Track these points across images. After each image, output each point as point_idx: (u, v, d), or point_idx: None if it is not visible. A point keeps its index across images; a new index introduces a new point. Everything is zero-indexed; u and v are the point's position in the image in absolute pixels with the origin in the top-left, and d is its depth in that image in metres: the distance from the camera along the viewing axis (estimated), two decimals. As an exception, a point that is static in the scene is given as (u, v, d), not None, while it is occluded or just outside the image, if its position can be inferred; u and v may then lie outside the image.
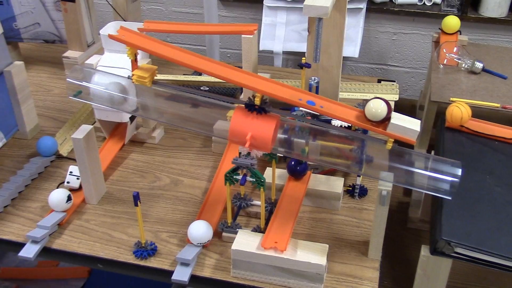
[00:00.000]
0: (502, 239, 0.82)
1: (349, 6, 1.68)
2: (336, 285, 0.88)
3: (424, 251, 0.84)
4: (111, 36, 0.88)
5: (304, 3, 0.95)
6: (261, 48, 1.97)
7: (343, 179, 1.04)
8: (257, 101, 0.83)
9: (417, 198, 1.13)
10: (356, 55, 1.87)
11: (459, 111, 0.99)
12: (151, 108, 0.97)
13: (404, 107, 1.43)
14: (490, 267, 0.82)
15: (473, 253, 0.81)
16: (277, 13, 1.91)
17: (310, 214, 1.02)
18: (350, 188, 1.07)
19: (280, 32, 1.89)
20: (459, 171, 0.83)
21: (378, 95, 1.30)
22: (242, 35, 1.09)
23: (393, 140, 0.83)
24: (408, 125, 0.82)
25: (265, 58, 1.94)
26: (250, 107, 0.83)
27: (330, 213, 1.02)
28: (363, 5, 1.80)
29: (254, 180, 0.91)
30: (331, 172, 1.10)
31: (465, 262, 0.82)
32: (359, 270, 0.91)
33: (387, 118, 0.83)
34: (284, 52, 1.95)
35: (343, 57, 1.75)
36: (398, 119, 0.83)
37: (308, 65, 1.08)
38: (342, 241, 0.96)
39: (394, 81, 1.37)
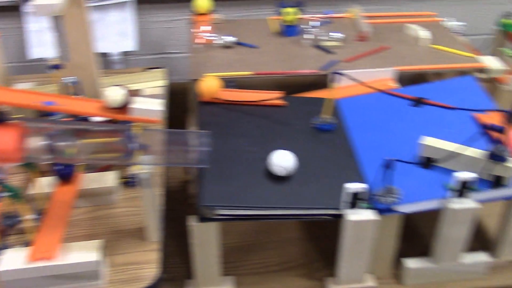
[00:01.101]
0: (256, 192, 0.89)
1: (115, 0, 1.68)
2: (119, 276, 0.89)
3: (192, 220, 0.88)
4: None
5: (33, 3, 0.93)
6: (33, 57, 1.87)
7: (114, 172, 1.04)
8: (-12, 112, 0.79)
9: (194, 174, 1.17)
10: (134, 48, 1.86)
11: (206, 84, 1.05)
12: None
13: (180, 90, 1.48)
14: (253, 219, 0.89)
15: (234, 211, 0.87)
16: (42, 18, 1.83)
17: (88, 214, 1.01)
18: (127, 179, 1.08)
19: (48, 38, 1.82)
20: (208, 140, 0.89)
21: (146, 83, 1.33)
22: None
23: (139, 123, 0.86)
24: (149, 106, 0.85)
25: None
26: (-20, 119, 0.79)
27: (108, 208, 1.02)
28: (129, -2, 1.80)
29: (11, 194, 0.87)
30: (108, 168, 1.09)
31: (232, 221, 0.88)
32: (140, 256, 0.92)
33: (128, 103, 0.85)
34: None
35: (124, 52, 1.74)
36: (139, 102, 0.85)
37: (57, 67, 1.05)
38: (122, 232, 0.97)
39: (161, 68, 1.40)
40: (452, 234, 0.91)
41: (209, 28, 1.31)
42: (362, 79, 1.19)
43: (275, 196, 0.89)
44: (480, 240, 1.07)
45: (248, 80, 1.21)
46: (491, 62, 1.25)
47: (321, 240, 1.07)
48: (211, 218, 0.87)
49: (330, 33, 1.31)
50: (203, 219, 0.87)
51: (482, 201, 0.90)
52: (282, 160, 0.91)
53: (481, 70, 1.23)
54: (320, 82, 1.22)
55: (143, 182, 0.88)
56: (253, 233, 1.08)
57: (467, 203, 0.88)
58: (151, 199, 0.91)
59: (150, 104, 0.86)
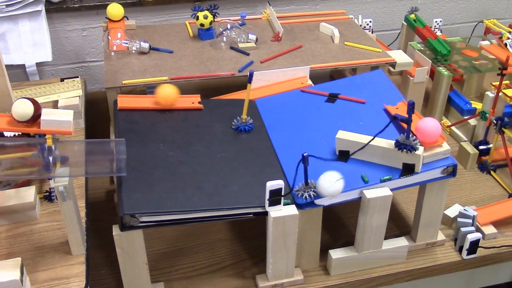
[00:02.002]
0: (178, 196, 0.89)
1: (26, 10, 1.62)
2: (43, 293, 0.86)
3: (115, 230, 0.87)
4: None
5: None
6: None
7: (34, 187, 1.01)
8: None
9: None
10: (50, 59, 1.81)
11: (164, 92, 1.06)
12: None
13: (101, 99, 1.45)
14: (178, 224, 0.89)
15: (157, 217, 0.87)
16: None
17: (7, 233, 0.97)
18: (48, 193, 1.05)
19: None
20: (124, 147, 0.88)
21: (63, 94, 1.29)
22: None
23: (51, 136, 0.84)
24: (60, 117, 0.83)
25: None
26: None
27: (29, 224, 0.99)
28: (41, 7, 1.75)
29: None
30: (26, 183, 1.06)
31: (157, 227, 0.88)
32: (66, 270, 0.90)
33: (38, 116, 0.83)
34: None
35: (39, 62, 1.68)
36: (49, 114, 0.84)
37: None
38: (45, 248, 0.94)
39: (77, 77, 1.38)
40: (371, 222, 0.95)
41: (123, 35, 1.30)
42: (278, 79, 1.22)
43: (198, 198, 0.89)
44: (400, 226, 1.12)
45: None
46: (399, 56, 1.31)
47: (250, 239, 1.08)
48: (135, 226, 0.86)
49: (245, 35, 1.33)
50: (127, 227, 0.86)
51: (395, 189, 0.95)
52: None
53: (391, 64, 1.29)
54: (238, 84, 1.24)
55: (61, 195, 0.87)
56: (182, 237, 1.08)
57: (382, 192, 0.92)
58: (72, 211, 0.89)
59: (61, 115, 0.84)
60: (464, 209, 1.08)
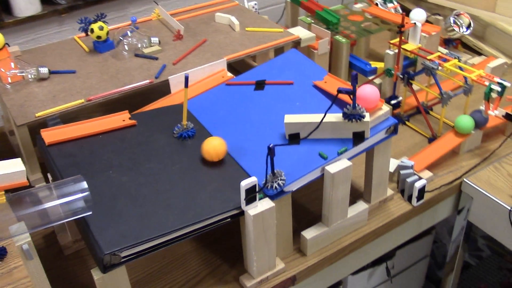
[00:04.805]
0: (153, 221, 0.84)
1: None
2: None
3: (96, 274, 0.80)
4: None
5: None
6: None
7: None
8: None
9: (60, 224, 1.06)
10: None
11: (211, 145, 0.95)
12: None
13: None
14: (159, 248, 0.84)
15: (138, 247, 0.81)
16: None
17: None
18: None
19: None
20: (84, 184, 0.81)
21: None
22: None
23: (3, 192, 0.74)
24: (11, 169, 0.74)
25: None
26: None
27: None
28: None
29: None
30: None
31: (140, 257, 0.82)
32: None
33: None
34: None
35: None
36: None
37: None
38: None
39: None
40: (337, 195, 0.98)
41: (13, 64, 1.17)
42: (198, 77, 1.19)
43: (173, 217, 0.85)
44: (354, 195, 1.17)
45: (84, 108, 1.12)
46: (302, 33, 1.35)
47: (217, 244, 1.06)
48: (117, 263, 0.80)
49: (147, 39, 1.27)
50: (109, 267, 0.80)
51: (351, 158, 0.99)
52: None
53: (297, 41, 1.33)
54: (157, 91, 1.19)
55: (26, 254, 0.77)
56: (148, 262, 1.03)
57: (343, 164, 0.96)
58: (40, 269, 0.80)
59: (10, 166, 0.74)
60: (402, 161, 1.16)
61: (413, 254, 1.62)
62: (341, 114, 0.97)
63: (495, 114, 1.21)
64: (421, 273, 1.71)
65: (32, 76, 1.17)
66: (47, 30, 1.73)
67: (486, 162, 1.23)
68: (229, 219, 0.89)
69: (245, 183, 0.85)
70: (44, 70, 1.17)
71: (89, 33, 1.25)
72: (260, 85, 1.13)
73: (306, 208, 1.13)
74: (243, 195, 0.86)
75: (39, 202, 0.78)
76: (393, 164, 1.18)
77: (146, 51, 1.26)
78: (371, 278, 1.53)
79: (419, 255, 1.64)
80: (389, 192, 1.13)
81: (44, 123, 1.07)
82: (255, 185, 0.86)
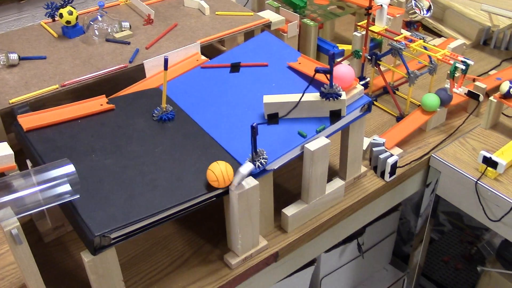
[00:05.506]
0: (141, 201, 0.85)
1: None
2: None
3: (86, 256, 0.80)
4: None
5: None
6: None
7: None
8: None
9: (39, 210, 1.05)
10: None
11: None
12: None
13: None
14: (148, 229, 0.85)
15: (128, 228, 0.82)
16: None
17: None
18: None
19: None
20: (71, 167, 0.80)
21: None
22: None
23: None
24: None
25: None
26: None
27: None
28: None
29: None
30: None
31: (129, 239, 0.83)
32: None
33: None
34: None
35: None
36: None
37: None
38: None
39: None
40: (316, 172, 1.01)
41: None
42: (173, 61, 1.20)
43: (160, 198, 0.86)
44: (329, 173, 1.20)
45: (58, 94, 1.10)
46: (271, 16, 1.36)
47: (198, 224, 1.07)
48: (107, 245, 0.81)
49: (118, 24, 1.26)
50: (99, 249, 0.80)
51: (329, 136, 1.02)
52: None
53: (266, 24, 1.34)
54: (128, 76, 1.18)
55: (15, 239, 0.77)
56: (131, 245, 1.03)
57: (322, 142, 0.98)
58: (28, 254, 0.79)
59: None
60: (374, 139, 1.20)
61: (381, 230, 1.67)
62: (318, 94, 0.99)
63: (460, 91, 1.27)
64: (389, 248, 1.78)
65: (1, 63, 1.15)
66: (5, 17, 1.68)
67: (452, 138, 1.29)
68: (215, 198, 0.91)
69: (244, 169, 0.87)
70: (14, 56, 1.15)
71: (57, 18, 1.23)
72: (235, 67, 1.14)
73: (283, 187, 1.15)
74: (239, 179, 0.88)
75: (25, 187, 0.78)
76: (365, 142, 1.22)
77: (117, 36, 1.25)
78: (343, 254, 1.58)
79: (387, 231, 1.70)
80: (363, 169, 1.17)
81: (11, 112, 1.06)
82: (251, 169, 0.88)
